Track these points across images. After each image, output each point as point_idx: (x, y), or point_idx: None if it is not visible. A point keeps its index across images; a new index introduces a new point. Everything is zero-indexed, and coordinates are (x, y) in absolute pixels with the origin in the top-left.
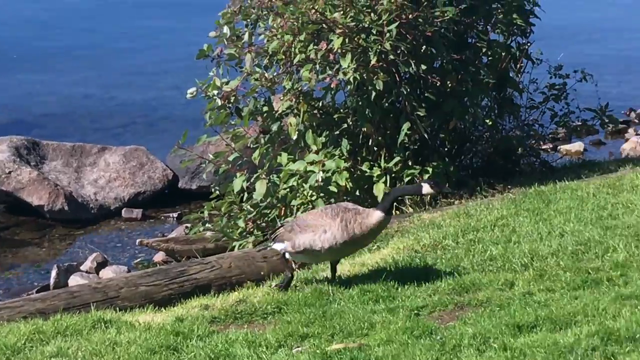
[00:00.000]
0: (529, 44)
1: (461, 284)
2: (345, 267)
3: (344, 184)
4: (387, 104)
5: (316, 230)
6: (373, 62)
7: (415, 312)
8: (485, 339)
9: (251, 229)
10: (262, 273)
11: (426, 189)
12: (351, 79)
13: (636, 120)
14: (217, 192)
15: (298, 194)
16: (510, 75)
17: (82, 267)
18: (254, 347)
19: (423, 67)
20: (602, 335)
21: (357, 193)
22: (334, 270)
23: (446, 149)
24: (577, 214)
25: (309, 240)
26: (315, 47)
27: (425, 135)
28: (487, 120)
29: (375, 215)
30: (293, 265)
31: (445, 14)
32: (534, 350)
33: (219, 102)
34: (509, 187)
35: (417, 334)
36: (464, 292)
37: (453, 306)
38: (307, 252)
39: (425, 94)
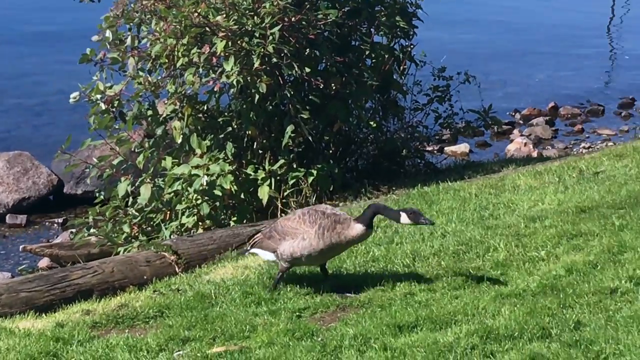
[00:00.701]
0: (412, 46)
1: (343, 285)
2: (229, 270)
3: (228, 187)
4: (271, 107)
5: (295, 237)
6: (256, 65)
7: (297, 314)
8: (366, 339)
9: (136, 234)
10: (145, 277)
11: (404, 218)
12: (234, 82)
13: (521, 122)
14: (102, 196)
15: (183, 198)
16: (394, 77)
17: None
18: (134, 352)
19: (307, 69)
20: (481, 333)
21: (242, 196)
22: (324, 270)
23: (331, 151)
24: (459, 214)
25: (290, 248)
26: (198, 50)
27: (310, 138)
28: (372, 122)
29: (357, 228)
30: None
31: (328, 17)
32: (414, 350)
33: (103, 106)
34: (394, 188)
35: (298, 336)
36: (346, 293)
37: (335, 307)
38: (289, 259)
39: (310, 97)
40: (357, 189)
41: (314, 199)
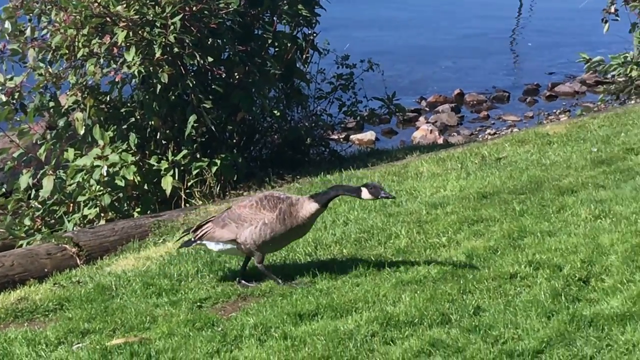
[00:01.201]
0: (315, 35)
1: (245, 274)
2: (130, 262)
3: (131, 178)
4: (173, 97)
5: (255, 223)
6: (158, 55)
7: (198, 304)
8: (266, 328)
9: (39, 226)
10: (46, 270)
11: (365, 194)
12: (136, 73)
13: (427, 109)
14: (4, 189)
15: (85, 190)
16: (298, 65)
17: None
18: (33, 345)
19: (209, 59)
20: (381, 320)
21: (146, 187)
22: (246, 263)
23: (235, 141)
24: (361, 202)
25: (251, 234)
26: (99, 41)
27: (213, 128)
28: (275, 111)
29: (310, 206)
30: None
31: (230, 6)
32: (314, 338)
33: (3, 98)
34: (298, 177)
35: (198, 326)
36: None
37: (236, 297)
38: (256, 247)
39: (213, 86)
40: (262, 178)
41: (218, 188)
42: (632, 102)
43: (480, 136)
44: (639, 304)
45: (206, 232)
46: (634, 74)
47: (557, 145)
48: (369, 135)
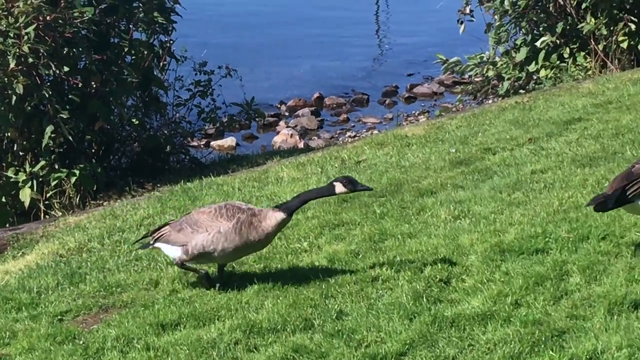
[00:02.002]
0: (172, 42)
1: (106, 286)
2: None
3: None
4: (29, 108)
5: (210, 230)
6: (12, 65)
7: (59, 317)
8: (128, 340)
9: None
10: None
11: (339, 188)
12: None
13: (287, 113)
14: None
15: None
16: (155, 73)
17: None
18: None
19: (65, 68)
20: (244, 328)
21: (3, 199)
22: (221, 272)
23: (93, 150)
24: None
25: (203, 241)
26: None
27: (71, 138)
28: (134, 120)
29: (274, 217)
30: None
31: (85, 15)
32: (177, 348)
33: None
34: (158, 185)
35: (60, 340)
36: (109, 294)
37: (98, 309)
38: (202, 255)
39: (69, 96)
40: (122, 187)
41: (78, 199)
42: (489, 101)
43: (340, 139)
44: (499, 304)
45: (162, 235)
46: (490, 73)
47: (416, 147)
48: (229, 141)
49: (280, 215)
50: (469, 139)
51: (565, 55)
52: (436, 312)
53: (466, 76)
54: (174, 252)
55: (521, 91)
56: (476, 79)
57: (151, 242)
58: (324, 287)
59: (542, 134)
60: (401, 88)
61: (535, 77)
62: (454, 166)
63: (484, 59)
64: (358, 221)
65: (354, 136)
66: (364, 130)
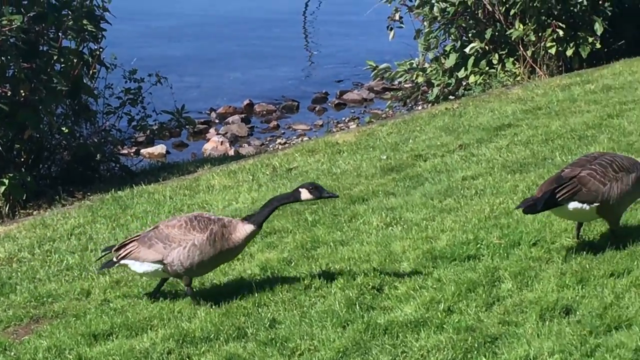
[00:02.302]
0: (101, 49)
1: (37, 296)
2: None
3: None
4: None
5: (184, 244)
6: None
7: None
8: (60, 350)
9: None
10: None
11: (305, 194)
12: None
13: (217, 120)
14: None
15: None
16: (85, 81)
17: None
18: None
19: None
20: (177, 337)
21: None
22: (161, 285)
23: (23, 159)
24: (153, 217)
25: (180, 256)
26: None
27: None
28: (63, 128)
29: (244, 229)
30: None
31: (13, 23)
32: (109, 359)
33: None
34: (89, 194)
35: None
36: (40, 304)
37: (29, 319)
38: (184, 269)
39: None
40: (52, 196)
41: (7, 208)
42: (419, 108)
43: (271, 146)
44: (432, 310)
45: (130, 251)
46: (420, 80)
47: (347, 154)
48: (159, 148)
49: (249, 228)
50: (399, 145)
51: (494, 62)
52: (369, 319)
53: (396, 82)
54: (145, 268)
55: (451, 97)
56: (406, 85)
57: (116, 259)
58: (256, 295)
59: (472, 140)
60: (331, 94)
61: (464, 83)
62: (385, 173)
63: (414, 65)
64: (290, 229)
65: (285, 143)
66: (295, 137)
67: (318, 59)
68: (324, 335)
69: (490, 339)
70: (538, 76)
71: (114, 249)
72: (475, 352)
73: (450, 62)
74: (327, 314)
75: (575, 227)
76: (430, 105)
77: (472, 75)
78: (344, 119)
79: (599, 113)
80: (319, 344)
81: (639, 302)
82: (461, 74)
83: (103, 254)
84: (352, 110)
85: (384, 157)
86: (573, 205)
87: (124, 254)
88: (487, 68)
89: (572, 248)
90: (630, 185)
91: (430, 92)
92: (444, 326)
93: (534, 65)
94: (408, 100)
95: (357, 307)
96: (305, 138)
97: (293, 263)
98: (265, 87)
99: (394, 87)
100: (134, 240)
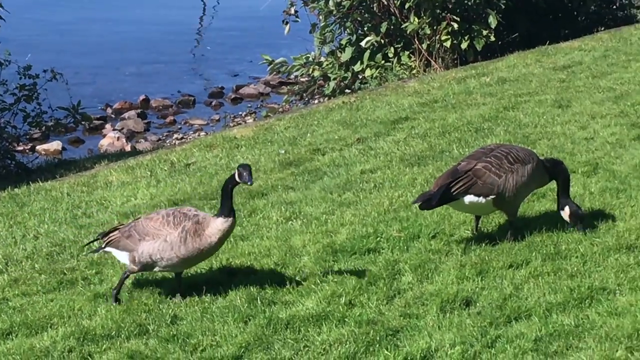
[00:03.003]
0: None
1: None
2: None
3: None
4: None
5: (156, 238)
6: None
7: None
8: None
9: None
10: None
11: (236, 175)
12: None
13: (113, 116)
14: None
15: None
16: None
17: None
18: None
19: None
20: (78, 335)
21: None
22: (179, 279)
23: None
24: (51, 215)
25: (149, 250)
26: None
27: None
28: None
29: (215, 224)
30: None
31: None
32: (9, 358)
33: None
34: None
35: None
36: None
37: None
38: (150, 264)
39: None
40: None
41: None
42: (316, 102)
43: (168, 142)
44: (334, 304)
45: (112, 240)
46: (316, 74)
47: (245, 149)
48: (55, 145)
49: (220, 221)
50: (297, 139)
51: (390, 55)
52: (271, 314)
53: (292, 77)
54: (123, 258)
55: (347, 91)
56: (302, 80)
57: (102, 246)
58: (157, 292)
59: (370, 133)
60: (227, 89)
61: (360, 77)
62: (284, 167)
63: (310, 59)
64: None
65: (182, 138)
66: (191, 132)
67: (214, 54)
68: (225, 331)
69: (392, 331)
70: (434, 69)
71: (101, 235)
72: (377, 345)
73: (346, 55)
74: (229, 310)
75: (473, 219)
76: (327, 99)
77: (368, 68)
78: (240, 113)
79: (494, 105)
80: (221, 340)
81: (538, 293)
82: (357, 67)
83: (95, 239)
84: (249, 105)
85: (283, 152)
86: (469, 198)
87: (107, 241)
88: (383, 61)
89: (471, 240)
90: (527, 176)
91: (326, 86)
92: (346, 320)
93: (430, 59)
94: (305, 95)
95: (259, 302)
96: (203, 133)
97: None
98: (161, 82)
99: (291, 81)
100: (117, 229)
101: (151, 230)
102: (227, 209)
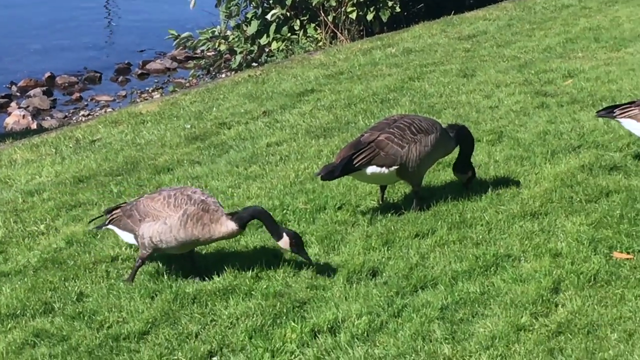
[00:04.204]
0: None
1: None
2: None
3: None
4: None
5: (156, 220)
6: None
7: None
8: None
9: None
10: None
11: (284, 243)
12: None
13: (18, 94)
14: None
15: None
16: None
17: None
18: None
19: None
20: None
21: None
22: (192, 260)
23: None
24: None
25: (150, 232)
26: None
27: None
28: None
29: (228, 225)
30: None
31: None
32: None
33: None
34: None
35: None
36: None
37: None
38: (150, 245)
39: None
40: None
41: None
42: (223, 75)
43: (74, 118)
44: (240, 278)
45: (114, 218)
46: (223, 48)
47: (151, 124)
48: None
49: (232, 226)
50: (203, 114)
51: (296, 28)
52: (177, 289)
53: (199, 51)
54: (126, 238)
55: (254, 64)
56: (209, 54)
57: (106, 223)
58: (63, 269)
59: (276, 106)
60: (134, 65)
61: (267, 50)
62: (189, 142)
63: (216, 33)
64: (95, 201)
65: (88, 115)
66: (98, 109)
67: (119, 29)
68: (132, 307)
69: (299, 303)
70: (340, 41)
71: (105, 211)
72: (284, 318)
73: (252, 29)
74: (135, 285)
75: (379, 190)
76: (233, 73)
77: (275, 42)
78: (147, 89)
79: (400, 76)
80: (128, 316)
81: (444, 262)
82: (263, 40)
83: (100, 215)
84: (156, 80)
85: (188, 126)
86: (372, 169)
87: (109, 219)
88: (289, 34)
89: (377, 211)
90: (430, 146)
91: (233, 59)
92: (253, 293)
93: (336, 31)
94: (211, 69)
95: (165, 277)
96: (109, 109)
97: (99, 235)
98: (67, 58)
99: (197, 55)
100: (119, 207)
101: (151, 211)
102: (243, 221)
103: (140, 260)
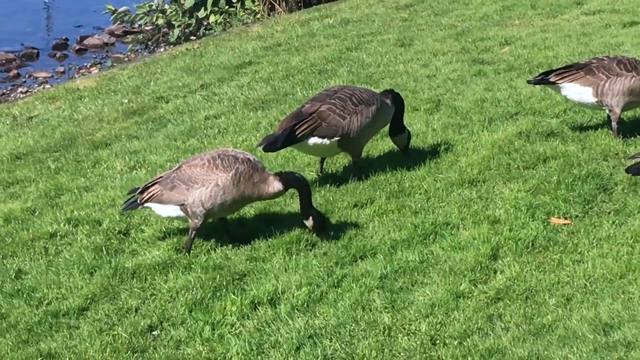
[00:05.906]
0: None
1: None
2: None
3: None
4: None
5: (206, 184)
6: None
7: None
8: None
9: None
10: None
11: (310, 222)
12: None
13: None
14: None
15: None
16: None
17: None
18: None
19: None
20: None
21: None
22: (226, 223)
23: None
24: None
25: (201, 197)
26: None
27: None
28: None
29: (275, 185)
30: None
31: None
32: None
33: None
34: None
35: None
36: None
37: None
38: (203, 212)
39: None
40: None
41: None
42: (162, 49)
43: (12, 96)
44: (180, 252)
45: (153, 194)
46: (160, 21)
47: (88, 100)
48: None
49: (279, 187)
50: (141, 88)
51: (234, 0)
52: (117, 264)
53: (136, 25)
54: (168, 212)
55: (192, 38)
56: (146, 28)
57: (140, 202)
58: (0, 247)
59: (214, 79)
60: (71, 40)
61: (205, 23)
62: (127, 117)
63: (153, 7)
64: (33, 178)
65: (26, 92)
66: (36, 85)
67: (56, 4)
68: (71, 283)
69: (239, 276)
70: (277, 13)
71: (138, 191)
72: (224, 290)
73: (189, 2)
74: (74, 262)
75: (318, 161)
76: (171, 47)
77: (212, 14)
78: (85, 64)
79: (338, 47)
80: (67, 292)
81: (383, 231)
82: (201, 14)
83: (129, 195)
84: (94, 55)
85: (126, 101)
86: (313, 140)
87: (147, 197)
88: (226, 7)
89: (316, 181)
90: (371, 117)
91: (171, 33)
92: (192, 266)
93: (274, 2)
94: (149, 43)
95: (104, 253)
96: (48, 86)
97: (37, 212)
98: (3, 35)
99: (135, 30)
100: (156, 183)
101: (199, 177)
102: (286, 183)
103: (193, 232)
